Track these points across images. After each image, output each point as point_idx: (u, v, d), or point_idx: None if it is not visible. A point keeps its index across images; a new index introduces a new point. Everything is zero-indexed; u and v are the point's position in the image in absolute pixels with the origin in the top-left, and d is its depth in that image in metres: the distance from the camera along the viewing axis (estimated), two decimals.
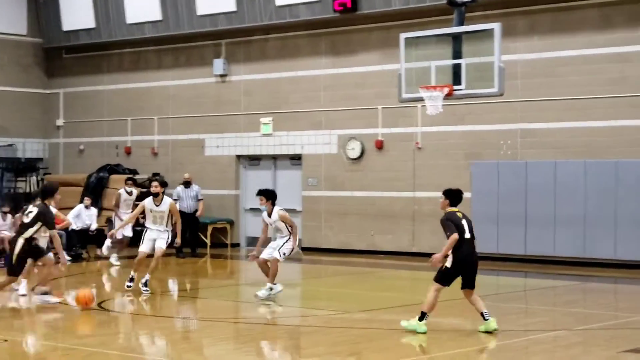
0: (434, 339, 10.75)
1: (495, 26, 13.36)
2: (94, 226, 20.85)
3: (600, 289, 16.14)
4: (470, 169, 20.11)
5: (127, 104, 25.99)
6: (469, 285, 10.93)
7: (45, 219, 12.80)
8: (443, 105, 13.87)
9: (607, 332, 11.42)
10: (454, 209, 11.02)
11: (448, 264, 10.78)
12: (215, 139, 24.42)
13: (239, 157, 24.23)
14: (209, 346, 10.70)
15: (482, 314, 10.92)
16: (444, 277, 10.80)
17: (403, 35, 14.31)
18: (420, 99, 14.11)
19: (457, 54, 13.80)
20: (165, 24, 24.39)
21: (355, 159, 22.05)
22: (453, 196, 11.09)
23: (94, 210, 21.31)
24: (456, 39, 13.83)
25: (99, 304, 13.24)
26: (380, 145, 21.71)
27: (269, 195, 13.90)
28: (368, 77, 21.84)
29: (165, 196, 14.87)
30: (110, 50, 26.27)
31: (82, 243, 20.68)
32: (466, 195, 20.32)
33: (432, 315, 10.83)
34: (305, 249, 22.56)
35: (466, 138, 20.50)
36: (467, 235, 10.84)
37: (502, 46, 13.41)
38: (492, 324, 10.87)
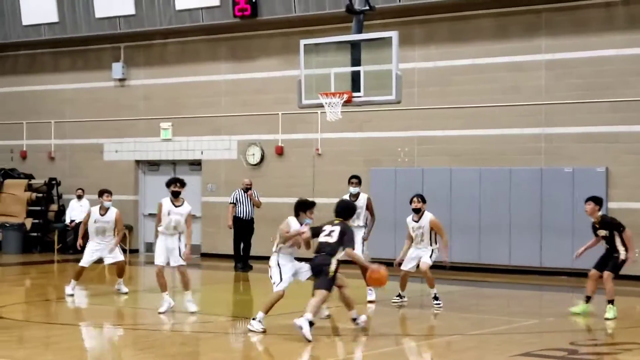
0: (325, 343, 10.82)
1: (393, 34, 13.50)
2: None
3: (495, 294, 16.47)
4: (369, 175, 20.31)
5: (22, 107, 25.47)
6: None
7: None
8: (342, 112, 13.96)
9: (500, 336, 11.66)
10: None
11: (623, 256, 13.09)
12: (114, 144, 24.12)
13: (138, 162, 23.98)
14: (107, 353, 10.55)
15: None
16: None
17: (303, 42, 14.35)
18: (320, 106, 14.17)
19: (355, 62, 13.90)
20: (62, 26, 23.99)
21: (255, 165, 22.06)
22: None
23: None
24: (355, 46, 13.95)
25: None
26: (280, 151, 21.76)
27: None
28: (268, 83, 21.88)
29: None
30: (5, 52, 25.71)
31: None
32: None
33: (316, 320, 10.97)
34: (204, 255, 22.45)
35: (365, 145, 20.71)
36: None
37: (399, 54, 13.57)
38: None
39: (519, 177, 18.93)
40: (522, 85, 19.16)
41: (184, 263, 13.28)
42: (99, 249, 15.34)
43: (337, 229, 11.66)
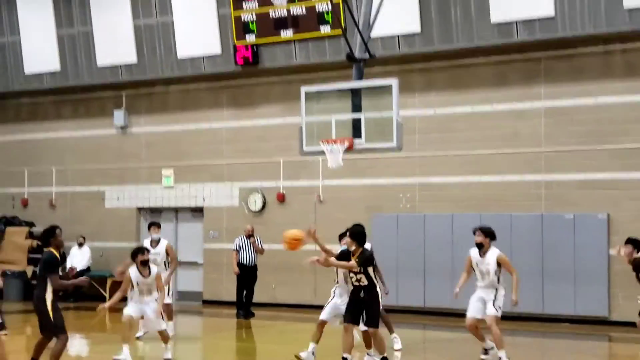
0: None
1: (393, 82, 13.58)
2: None
3: None
4: (371, 222, 20.32)
5: (24, 155, 25.55)
6: None
7: None
8: (343, 158, 14.01)
9: None
10: None
11: None
12: (116, 191, 24.16)
13: (139, 209, 24.00)
14: None
15: None
16: None
17: (304, 89, 14.44)
18: (322, 152, 14.22)
19: (356, 108, 13.97)
20: (64, 74, 24.16)
21: (257, 212, 22.08)
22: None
23: None
24: (355, 93, 14.03)
25: None
26: (281, 198, 21.80)
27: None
28: (269, 130, 21.98)
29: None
30: (7, 100, 25.86)
31: None
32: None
33: None
34: (206, 302, 22.39)
35: (366, 191, 20.75)
36: None
37: (400, 102, 13.64)
38: None
39: (519, 223, 18.94)
40: (521, 132, 19.25)
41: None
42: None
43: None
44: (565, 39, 18.51)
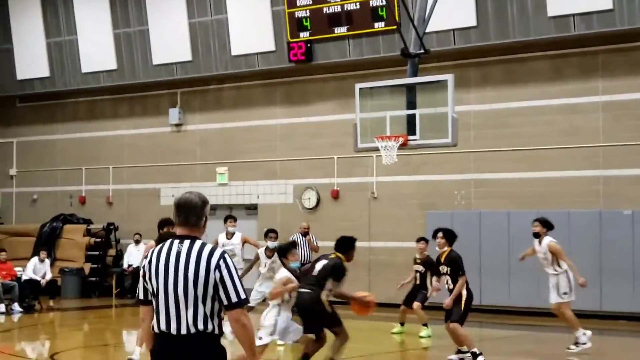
0: None
1: (449, 77, 13.48)
2: (48, 276, 20.64)
3: (554, 339, 16.21)
4: (425, 219, 20.20)
5: (81, 153, 25.86)
6: None
7: None
8: (398, 155, 13.93)
9: None
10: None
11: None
12: (171, 189, 24.32)
13: None
14: None
15: None
16: None
17: (358, 86, 14.40)
18: (376, 149, 14.16)
19: (411, 105, 13.89)
20: (121, 73, 24.39)
21: (311, 209, 22.08)
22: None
23: (47, 261, 21.12)
24: (410, 89, 13.95)
25: (52, 356, 13.01)
26: (336, 195, 21.77)
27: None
28: (323, 126, 21.96)
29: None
30: (65, 99, 26.18)
31: (34, 294, 20.41)
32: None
33: None
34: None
35: (421, 188, 20.62)
36: None
37: (455, 97, 13.53)
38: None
39: (577, 220, 18.67)
40: (579, 127, 18.99)
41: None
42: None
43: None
44: (624, 32, 18.19)
